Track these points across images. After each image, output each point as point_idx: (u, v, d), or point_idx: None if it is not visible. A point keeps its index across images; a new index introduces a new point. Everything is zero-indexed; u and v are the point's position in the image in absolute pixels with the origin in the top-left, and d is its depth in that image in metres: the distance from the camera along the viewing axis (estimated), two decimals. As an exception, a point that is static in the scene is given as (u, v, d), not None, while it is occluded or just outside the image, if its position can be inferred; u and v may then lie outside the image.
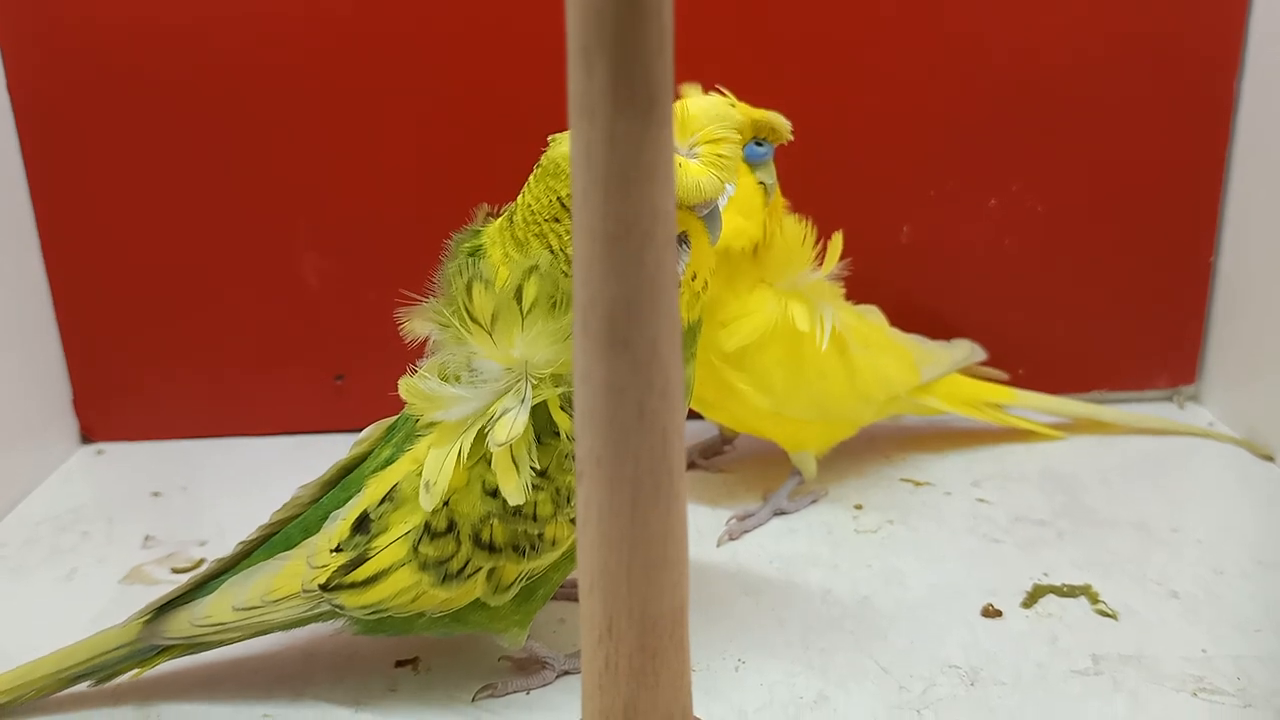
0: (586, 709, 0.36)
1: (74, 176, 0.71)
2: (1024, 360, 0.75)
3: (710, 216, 0.47)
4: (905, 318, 0.70)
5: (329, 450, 0.74)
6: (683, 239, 0.47)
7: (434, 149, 0.71)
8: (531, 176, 0.46)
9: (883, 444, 0.71)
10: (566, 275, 0.44)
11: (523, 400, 0.43)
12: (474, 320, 0.44)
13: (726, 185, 0.47)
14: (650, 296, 0.31)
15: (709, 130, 0.47)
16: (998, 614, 0.54)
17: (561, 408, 0.43)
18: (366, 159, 0.72)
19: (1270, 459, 0.69)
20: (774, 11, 0.69)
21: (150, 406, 0.76)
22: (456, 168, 0.72)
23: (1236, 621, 0.52)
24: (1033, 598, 0.55)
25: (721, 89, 0.55)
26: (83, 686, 0.49)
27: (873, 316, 0.67)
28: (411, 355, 0.75)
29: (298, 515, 0.50)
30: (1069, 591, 0.55)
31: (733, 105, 0.54)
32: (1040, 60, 0.71)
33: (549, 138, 0.46)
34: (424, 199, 0.72)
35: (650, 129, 0.30)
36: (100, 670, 0.49)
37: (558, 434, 0.44)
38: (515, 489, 0.43)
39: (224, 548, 0.62)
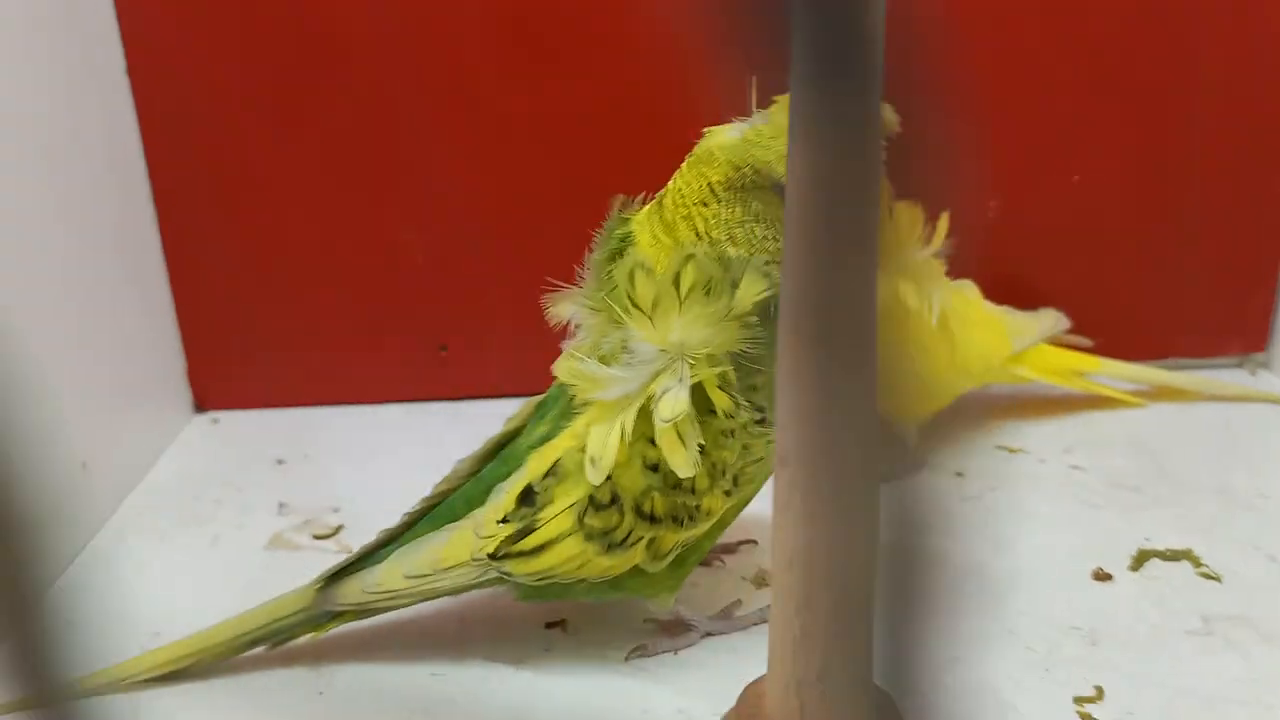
0: (777, 671, 0.40)
1: (191, 148, 0.74)
2: (1100, 329, 0.78)
3: None
4: (991, 290, 0.73)
5: (435, 418, 0.78)
6: None
7: (541, 126, 0.74)
8: (685, 163, 0.49)
9: (975, 412, 0.74)
10: (720, 262, 0.46)
11: (680, 380, 0.46)
12: (635, 305, 0.46)
13: None
14: (861, 297, 0.34)
15: None
16: (1108, 577, 0.57)
17: (719, 387, 0.46)
18: (474, 135, 0.74)
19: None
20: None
21: (260, 376, 0.79)
22: (562, 146, 0.74)
23: (1335, 584, 0.56)
24: (1138, 561, 0.58)
25: None
26: (258, 650, 0.53)
27: (968, 291, 0.69)
28: (510, 328, 0.79)
29: (458, 487, 0.53)
30: (1172, 555, 0.59)
31: None
32: (1118, 35, 0.73)
33: (704, 130, 0.49)
34: (528, 176, 0.75)
35: (871, 139, 0.32)
36: (276, 635, 0.52)
37: (713, 412, 0.47)
38: (685, 463, 0.46)
39: (356, 514, 0.66)
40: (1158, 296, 0.79)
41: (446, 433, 0.76)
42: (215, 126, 0.73)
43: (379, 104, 0.73)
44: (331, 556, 0.61)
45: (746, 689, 0.43)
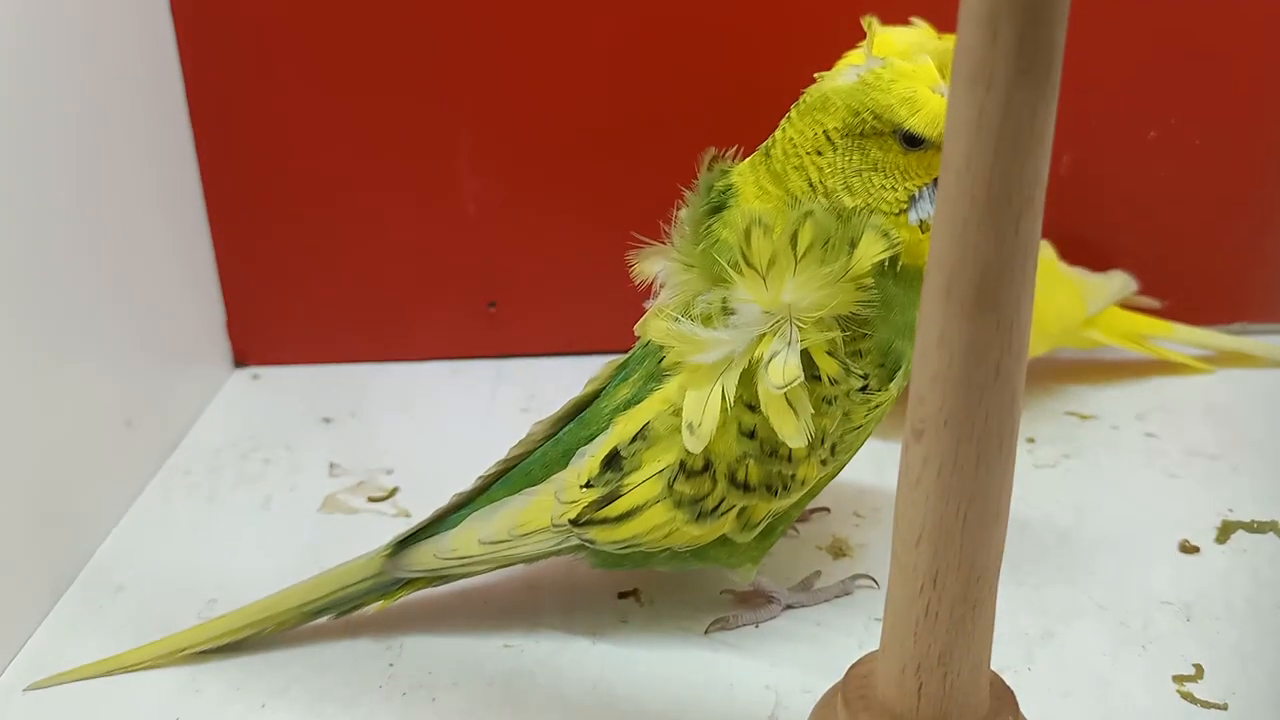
0: (894, 652, 0.38)
1: (235, 98, 0.71)
2: (1169, 291, 0.76)
3: None
4: (1062, 247, 0.71)
5: (483, 376, 0.76)
6: (936, 183, 0.46)
7: (600, 78, 0.71)
8: (793, 110, 0.46)
9: (1040, 377, 0.72)
10: (837, 217, 0.44)
11: (790, 344, 0.43)
12: (749, 263, 0.44)
13: None
14: (1022, 260, 0.32)
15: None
16: (1195, 549, 0.55)
17: (828, 353, 0.44)
18: (530, 84, 0.71)
19: None
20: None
21: (302, 330, 0.77)
22: (623, 98, 0.71)
23: None
24: (1224, 533, 0.56)
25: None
26: (322, 620, 0.51)
27: (1045, 251, 0.67)
28: (559, 285, 0.76)
29: (534, 450, 0.50)
30: (1258, 527, 0.57)
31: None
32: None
33: (815, 75, 0.46)
34: (584, 128, 0.72)
35: (1045, 96, 0.30)
36: (344, 604, 0.50)
37: (816, 377, 0.44)
38: (795, 432, 0.44)
39: (411, 475, 0.64)
40: (1229, 259, 0.76)
41: (495, 391, 0.74)
42: (260, 76, 0.70)
43: (428, 50, 0.70)
44: (388, 520, 0.60)
45: (852, 668, 0.41)
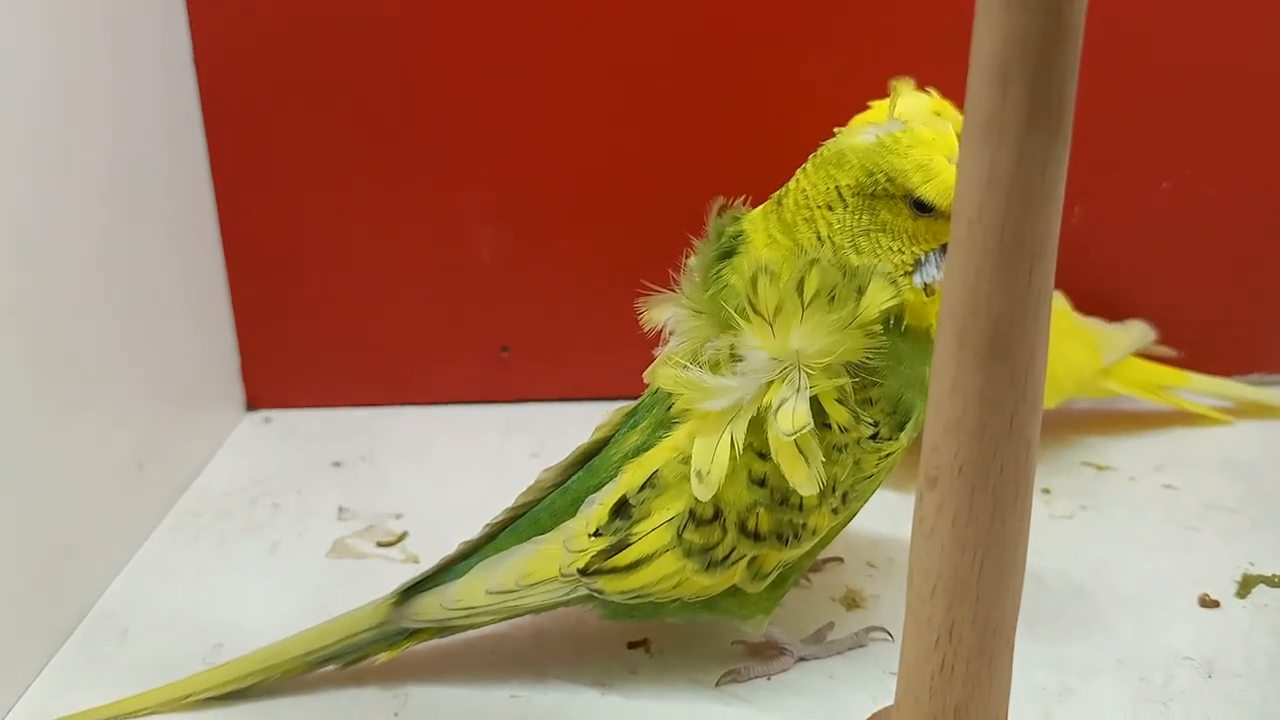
0: (909, 708, 0.37)
1: (252, 142, 0.71)
2: (1185, 342, 0.75)
3: None
4: (1075, 298, 0.70)
5: (495, 421, 0.76)
6: (944, 249, 0.45)
7: (609, 130, 0.71)
8: (809, 163, 0.46)
9: (1056, 427, 0.71)
10: (842, 270, 0.44)
11: (799, 390, 0.43)
12: (755, 310, 0.43)
13: None
14: (1035, 310, 0.32)
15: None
16: (1215, 604, 0.54)
17: (837, 400, 0.44)
18: (541, 137, 0.71)
19: None
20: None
21: (314, 374, 0.77)
22: (630, 150, 0.72)
23: None
24: (1245, 587, 0.55)
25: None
26: (328, 669, 0.50)
27: (1058, 302, 0.67)
28: (573, 330, 0.76)
29: (542, 498, 0.50)
30: (1279, 582, 0.56)
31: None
32: (1215, 43, 0.70)
33: (835, 129, 0.46)
34: (598, 176, 0.72)
35: (1056, 148, 0.30)
36: (349, 653, 0.49)
37: (827, 425, 0.44)
38: (806, 479, 0.43)
39: (420, 520, 0.63)
40: (1246, 309, 0.76)
41: (507, 436, 0.74)
42: (278, 122, 0.71)
43: (445, 98, 0.71)
44: (396, 565, 0.59)
45: (865, 722, 0.41)
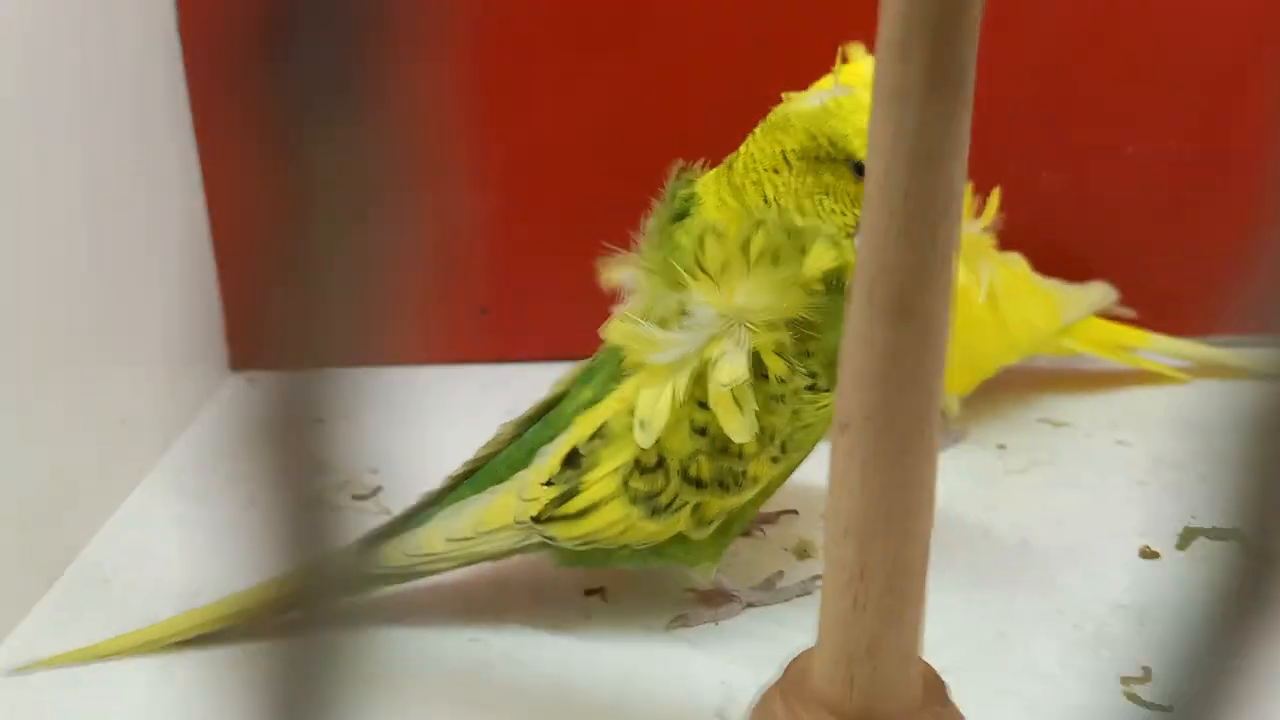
0: (827, 645, 0.39)
1: (234, 104, 0.73)
2: (1150, 302, 0.77)
3: None
4: (1041, 262, 0.71)
5: (475, 380, 0.78)
6: None
7: (587, 93, 0.73)
8: (759, 128, 0.48)
9: (1018, 385, 0.73)
10: (787, 231, 0.46)
11: (739, 344, 0.45)
12: (703, 269, 0.46)
13: None
14: (939, 268, 0.33)
15: None
16: (1155, 555, 0.56)
17: (775, 353, 0.46)
18: (521, 99, 0.73)
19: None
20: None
21: (298, 337, 0.79)
22: (608, 113, 0.73)
23: (1388, 568, 0.54)
24: (1185, 540, 0.57)
25: None
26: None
27: (1016, 264, 0.68)
28: (551, 292, 0.78)
29: (501, 450, 0.52)
30: (1219, 534, 0.57)
31: None
32: (1181, 9, 0.71)
33: (784, 94, 0.48)
34: (574, 138, 0.74)
35: (957, 111, 0.32)
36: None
37: (765, 376, 0.46)
38: (740, 427, 0.45)
39: (395, 475, 0.65)
40: (1206, 272, 0.77)
41: (486, 395, 0.76)
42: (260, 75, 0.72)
43: (422, 61, 0.72)
44: (370, 517, 0.61)
45: (791, 662, 0.43)
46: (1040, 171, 0.74)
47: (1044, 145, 0.74)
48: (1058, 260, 0.73)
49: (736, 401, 0.45)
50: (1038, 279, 0.69)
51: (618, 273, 0.50)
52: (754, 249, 0.46)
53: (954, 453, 0.66)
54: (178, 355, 0.73)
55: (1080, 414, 0.70)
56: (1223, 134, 0.74)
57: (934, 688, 0.40)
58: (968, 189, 0.61)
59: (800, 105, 0.47)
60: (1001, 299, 0.63)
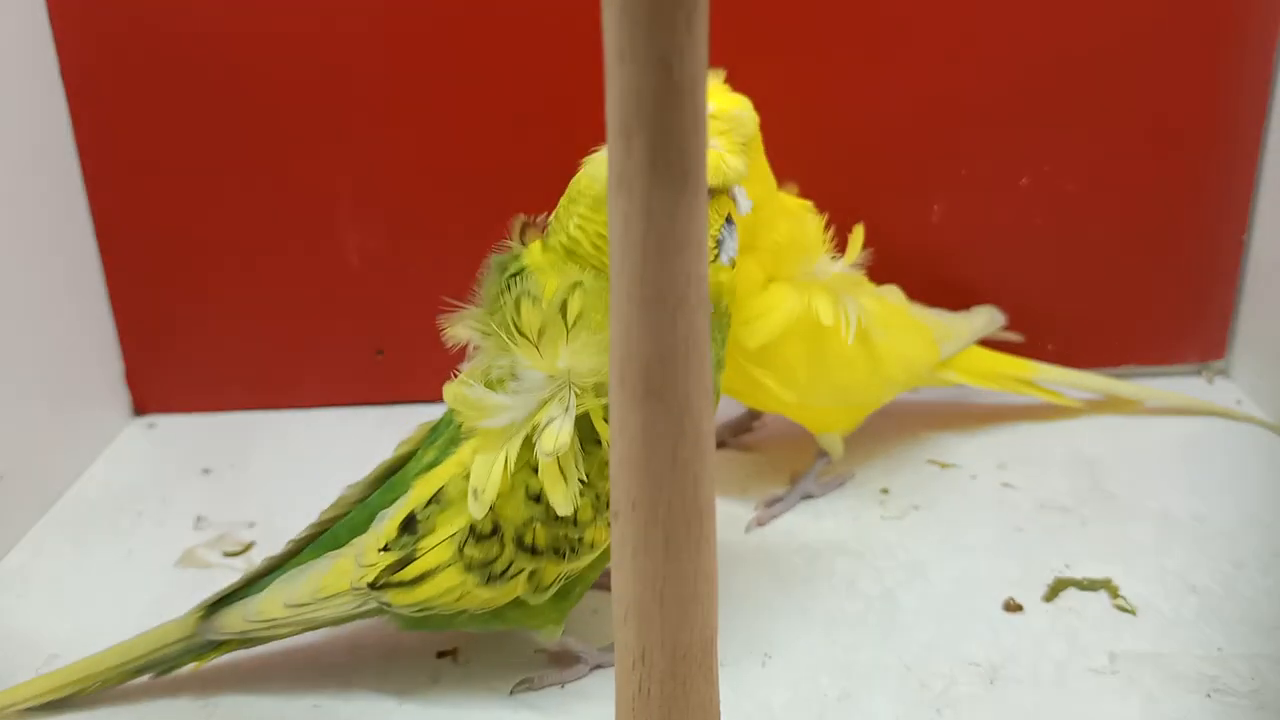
0: (621, 726, 0.39)
1: (124, 151, 0.73)
2: (1054, 336, 0.76)
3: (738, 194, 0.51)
4: (936, 295, 0.71)
5: (369, 423, 0.77)
6: (729, 222, 0.50)
7: (477, 132, 0.72)
8: (566, 194, 0.48)
9: (910, 423, 0.72)
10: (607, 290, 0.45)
11: (567, 409, 0.45)
12: (521, 333, 0.45)
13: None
14: (684, 354, 0.33)
15: (725, 121, 0.51)
16: (1019, 608, 0.55)
17: (604, 418, 0.45)
18: (411, 139, 0.73)
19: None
20: (807, -8, 0.69)
21: (198, 379, 0.79)
22: (499, 151, 0.72)
23: (1254, 619, 0.54)
24: (1054, 591, 0.56)
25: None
26: (143, 679, 0.52)
27: (893, 297, 0.67)
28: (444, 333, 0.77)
29: (345, 514, 0.52)
30: (1089, 585, 0.57)
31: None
32: (1070, 38, 0.70)
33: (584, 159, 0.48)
34: (466, 180, 0.73)
35: (684, 201, 0.31)
36: (160, 664, 0.51)
37: (599, 442, 0.46)
38: (564, 499, 0.45)
39: (271, 529, 0.65)
40: (1113, 303, 0.77)
41: (380, 439, 0.74)
42: (151, 126, 0.72)
43: (314, 101, 0.72)
44: (237, 575, 0.61)
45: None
46: (933, 204, 0.74)
47: (937, 179, 0.73)
48: (949, 292, 0.73)
49: (562, 471, 0.45)
50: (916, 310, 0.68)
51: (460, 332, 0.50)
52: (572, 310, 0.45)
53: (836, 497, 0.65)
54: (72, 402, 0.73)
55: (968, 454, 0.69)
56: (1118, 165, 0.73)
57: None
58: (827, 229, 0.60)
59: (592, 169, 0.48)
60: (874, 333, 0.61)
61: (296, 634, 0.51)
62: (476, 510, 0.46)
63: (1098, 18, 0.70)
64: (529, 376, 0.46)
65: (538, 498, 0.46)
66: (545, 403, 0.45)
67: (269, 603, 0.50)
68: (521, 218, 0.51)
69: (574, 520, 0.46)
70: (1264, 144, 0.72)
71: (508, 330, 0.46)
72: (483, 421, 0.46)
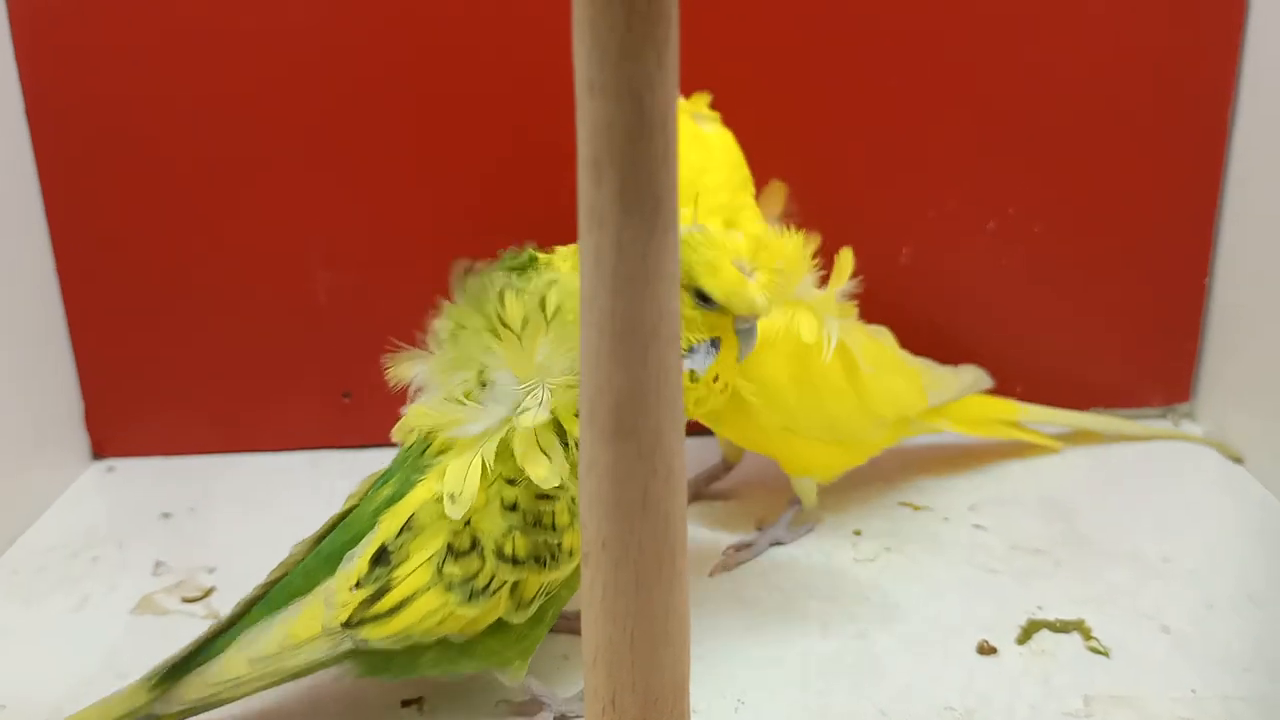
0: (591, 773, 0.38)
1: (87, 193, 0.72)
2: (1021, 379, 0.76)
3: (747, 332, 0.52)
4: (905, 337, 0.70)
5: (335, 467, 0.76)
6: (714, 343, 0.51)
7: (446, 172, 0.72)
8: None
9: (882, 465, 0.71)
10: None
11: (541, 403, 0.46)
12: (505, 325, 0.46)
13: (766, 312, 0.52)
14: (655, 389, 0.32)
15: (779, 261, 0.54)
16: (992, 651, 0.55)
17: (576, 416, 0.45)
18: (377, 181, 0.72)
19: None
20: (773, 33, 0.70)
21: (160, 422, 0.77)
22: (468, 192, 0.72)
23: (1226, 659, 0.53)
24: (1027, 634, 0.56)
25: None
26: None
27: (883, 338, 0.67)
28: (415, 375, 0.76)
29: (296, 568, 0.50)
30: (1062, 627, 0.56)
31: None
32: (1036, 84, 0.71)
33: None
34: (433, 222, 0.73)
35: (655, 234, 0.31)
36: None
37: (567, 445, 0.46)
38: (547, 474, 0.45)
39: (231, 574, 0.64)
40: (1080, 347, 0.77)
41: (346, 483, 0.73)
42: (116, 165, 0.72)
43: (281, 143, 0.71)
44: (198, 621, 0.60)
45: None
46: (901, 247, 0.74)
47: (905, 222, 0.74)
48: (918, 334, 0.73)
49: (542, 449, 0.46)
50: (906, 356, 0.68)
51: (407, 370, 0.51)
52: (550, 304, 0.47)
53: (809, 540, 0.65)
54: (30, 446, 0.71)
55: (941, 496, 0.69)
56: (1083, 208, 0.73)
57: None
58: (806, 246, 0.60)
59: None
60: (863, 369, 0.61)
61: (262, 690, 0.49)
62: (454, 512, 0.46)
63: (1063, 66, 0.71)
64: (502, 380, 0.47)
65: (514, 506, 0.46)
66: (519, 405, 0.46)
67: (232, 662, 0.48)
68: (464, 262, 0.51)
69: (552, 525, 0.47)
70: (1223, 190, 0.74)
71: (490, 325, 0.47)
72: (459, 430, 0.47)
